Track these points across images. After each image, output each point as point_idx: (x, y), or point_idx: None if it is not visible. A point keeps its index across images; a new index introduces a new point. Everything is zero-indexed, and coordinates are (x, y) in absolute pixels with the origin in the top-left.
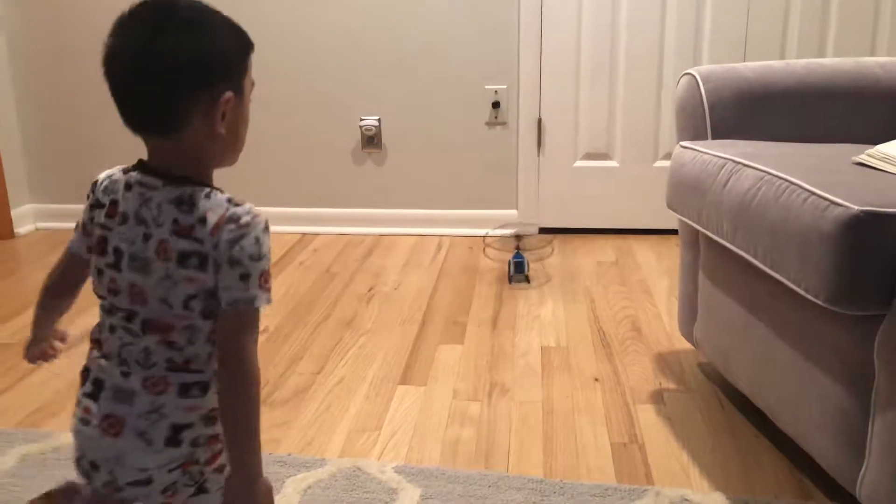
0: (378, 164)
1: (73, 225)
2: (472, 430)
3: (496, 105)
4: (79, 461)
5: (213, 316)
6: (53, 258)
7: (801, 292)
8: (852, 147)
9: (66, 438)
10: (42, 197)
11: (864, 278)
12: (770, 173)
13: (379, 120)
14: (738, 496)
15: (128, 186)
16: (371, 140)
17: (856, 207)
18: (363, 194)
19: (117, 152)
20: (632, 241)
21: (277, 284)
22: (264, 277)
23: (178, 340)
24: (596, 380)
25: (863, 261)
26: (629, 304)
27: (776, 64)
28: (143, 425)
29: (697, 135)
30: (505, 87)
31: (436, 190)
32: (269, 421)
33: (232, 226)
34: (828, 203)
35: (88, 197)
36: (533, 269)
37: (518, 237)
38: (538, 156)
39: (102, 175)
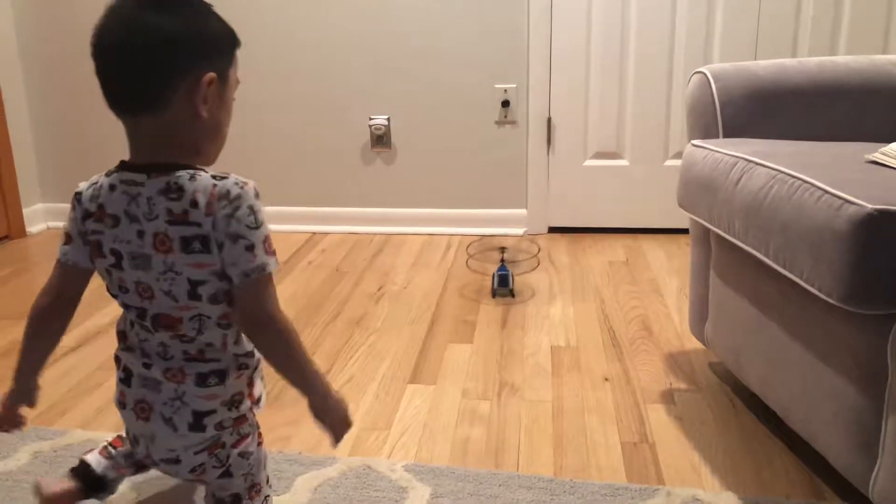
0: (387, 163)
1: None
2: (481, 429)
3: (506, 104)
4: (127, 433)
5: (221, 300)
6: None
7: (814, 291)
8: (865, 145)
9: (79, 436)
10: (53, 196)
11: (878, 277)
12: (782, 172)
13: (388, 119)
14: (750, 496)
15: (112, 188)
16: (380, 139)
17: (870, 206)
18: (372, 193)
19: (127, 152)
20: (642, 240)
21: (286, 284)
22: (268, 242)
23: (187, 333)
24: (606, 379)
25: (877, 259)
26: (639, 303)
27: (789, 62)
28: (168, 411)
29: (708, 133)
30: (514, 85)
31: (445, 189)
32: (278, 419)
33: (224, 202)
34: (841, 201)
35: (74, 208)
36: (518, 281)
37: (502, 249)
38: (548, 155)
39: (83, 185)
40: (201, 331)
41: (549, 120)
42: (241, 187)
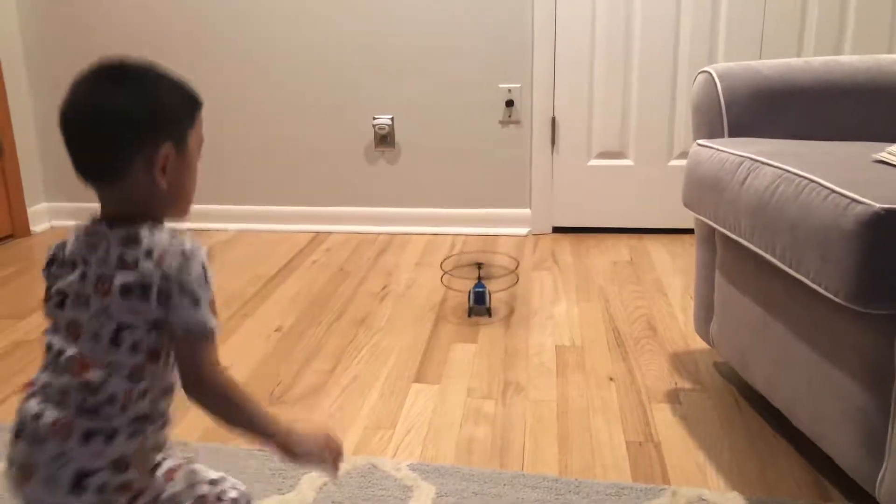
0: (391, 162)
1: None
2: (486, 428)
3: (510, 104)
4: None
5: (141, 350)
6: None
7: (821, 290)
8: (872, 145)
9: None
10: (57, 195)
11: (886, 276)
12: (789, 171)
13: (392, 119)
14: (755, 496)
15: (77, 238)
16: (384, 139)
17: (877, 205)
18: (376, 193)
19: None
20: (646, 240)
21: (291, 283)
22: (213, 305)
23: (93, 380)
24: (611, 379)
25: (884, 259)
26: (644, 303)
27: (794, 61)
28: (50, 470)
29: (714, 133)
30: (519, 85)
31: (449, 189)
32: (283, 418)
33: (177, 256)
34: (849, 201)
35: (45, 267)
36: (496, 298)
37: (479, 265)
38: (552, 154)
39: (59, 242)
40: (108, 380)
41: (554, 120)
42: (196, 246)
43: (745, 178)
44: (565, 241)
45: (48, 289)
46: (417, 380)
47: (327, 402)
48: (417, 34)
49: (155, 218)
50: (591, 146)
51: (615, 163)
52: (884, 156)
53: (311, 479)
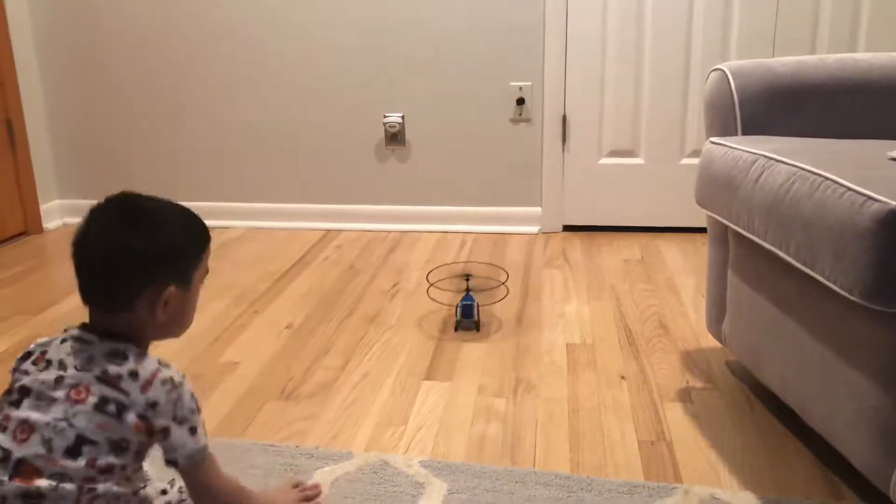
0: (401, 160)
1: None
2: (497, 425)
3: (521, 102)
4: None
5: (98, 466)
6: None
7: (836, 289)
8: (887, 143)
9: None
10: (70, 192)
11: None
12: (803, 168)
13: (403, 117)
14: (768, 495)
15: (63, 341)
16: (395, 137)
17: (893, 203)
18: (387, 191)
19: (142, 148)
20: (658, 239)
21: (301, 280)
22: (204, 426)
23: (41, 488)
24: (622, 377)
25: None
26: (656, 301)
27: (808, 59)
28: None
29: (727, 131)
30: (529, 83)
31: (459, 187)
32: (294, 414)
33: (168, 386)
34: (864, 198)
35: (17, 362)
36: (484, 312)
37: (467, 277)
38: (563, 153)
39: (41, 340)
40: (57, 490)
41: (565, 118)
42: (182, 377)
43: (759, 176)
44: (576, 239)
45: (11, 383)
46: (428, 377)
47: (339, 398)
48: (428, 32)
49: (144, 342)
50: (602, 144)
51: (626, 161)
52: None
53: (324, 474)
